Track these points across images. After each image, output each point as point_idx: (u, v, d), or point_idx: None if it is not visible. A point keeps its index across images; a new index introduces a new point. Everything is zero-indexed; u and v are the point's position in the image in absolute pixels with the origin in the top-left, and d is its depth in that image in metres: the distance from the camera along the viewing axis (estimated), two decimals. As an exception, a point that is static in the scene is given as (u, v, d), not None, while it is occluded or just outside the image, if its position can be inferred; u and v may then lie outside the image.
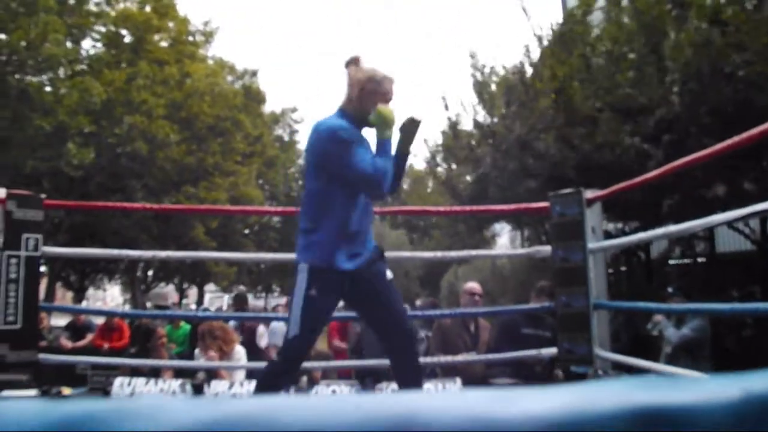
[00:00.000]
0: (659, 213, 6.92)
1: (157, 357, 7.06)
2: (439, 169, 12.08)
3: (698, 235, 8.87)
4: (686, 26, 6.08)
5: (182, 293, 30.39)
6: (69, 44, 18.32)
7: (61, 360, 5.31)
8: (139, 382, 4.52)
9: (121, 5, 20.43)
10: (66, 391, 4.51)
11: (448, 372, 5.05)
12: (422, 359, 3.43)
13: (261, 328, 8.50)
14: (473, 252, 6.51)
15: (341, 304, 3.45)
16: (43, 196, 4.48)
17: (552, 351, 4.50)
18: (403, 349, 3.19)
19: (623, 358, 4.20)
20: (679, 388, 0.55)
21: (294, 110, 33.21)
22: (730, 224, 7.48)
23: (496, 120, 9.10)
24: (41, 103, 16.12)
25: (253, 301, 35.11)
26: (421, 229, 29.18)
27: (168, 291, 28.58)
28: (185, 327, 8.68)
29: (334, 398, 0.54)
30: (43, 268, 9.67)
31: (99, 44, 20.00)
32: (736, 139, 2.95)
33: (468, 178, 9.74)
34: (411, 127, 3.21)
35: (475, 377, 5.00)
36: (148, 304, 15.52)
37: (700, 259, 9.57)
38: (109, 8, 20.05)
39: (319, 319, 3.12)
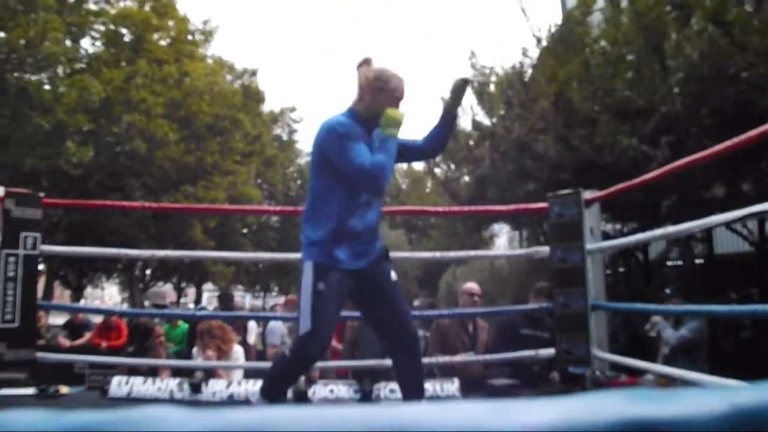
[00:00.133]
0: (658, 214, 6.92)
1: (154, 356, 7.06)
2: (438, 169, 12.07)
3: (696, 236, 8.87)
4: (688, 27, 6.07)
5: (180, 292, 30.38)
6: (68, 43, 18.32)
7: (58, 358, 5.31)
8: (137, 381, 4.52)
9: (121, 4, 20.43)
10: (64, 389, 4.51)
11: (446, 372, 5.05)
12: (422, 358, 3.39)
13: (251, 324, 8.51)
14: (471, 252, 6.52)
15: None
16: (41, 194, 4.48)
17: (550, 352, 4.50)
18: (405, 351, 3.19)
19: (621, 359, 4.20)
20: (670, 400, 0.55)
21: (293, 110, 33.18)
22: (728, 226, 7.48)
23: (495, 120, 9.10)
24: (40, 102, 16.12)
25: (251, 300, 35.16)
26: (419, 230, 29.17)
27: (166, 290, 28.58)
28: (183, 326, 8.67)
29: (334, 410, 0.54)
30: (41, 267, 9.67)
31: (98, 43, 20.01)
32: (734, 140, 2.95)
33: (467, 178, 9.74)
34: (461, 87, 3.25)
35: (473, 377, 5.00)
36: (146, 303, 15.52)
37: (698, 261, 9.58)
38: (108, 7, 20.06)
39: (330, 313, 3.06)
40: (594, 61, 7.17)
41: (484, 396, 4.43)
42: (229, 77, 26.31)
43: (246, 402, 4.38)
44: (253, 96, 27.15)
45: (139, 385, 4.47)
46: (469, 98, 9.83)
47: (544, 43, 8.52)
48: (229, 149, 22.87)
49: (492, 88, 9.43)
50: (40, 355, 4.46)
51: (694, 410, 0.54)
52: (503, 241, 18.56)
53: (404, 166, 33.82)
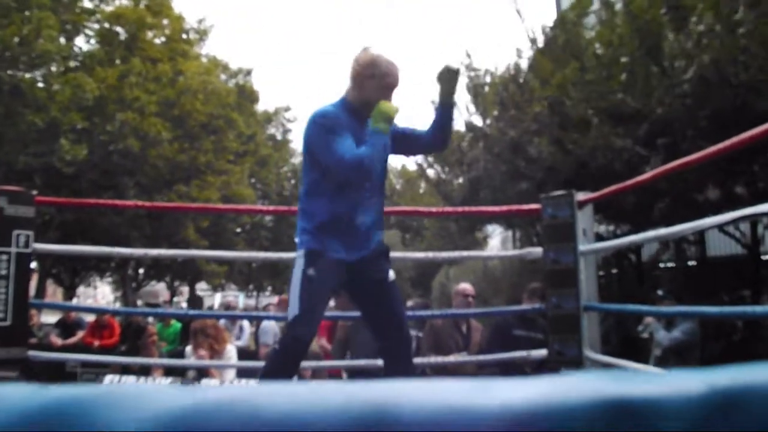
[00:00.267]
0: (651, 216, 6.94)
1: (147, 355, 7.05)
2: (431, 171, 12.07)
3: (689, 238, 8.90)
4: (688, 27, 6.06)
5: (173, 291, 30.33)
6: (62, 41, 18.28)
7: (50, 357, 5.29)
8: (129, 380, 4.51)
9: (117, 2, 20.40)
10: (55, 388, 4.49)
11: (438, 372, 5.06)
12: (413, 361, 3.35)
13: (245, 324, 8.54)
14: (464, 253, 6.53)
15: (331, 303, 3.42)
16: (34, 192, 4.47)
17: (542, 353, 4.51)
18: (396, 352, 3.15)
19: (613, 360, 4.21)
20: (648, 381, 0.56)
21: (287, 109, 33.14)
22: (721, 228, 7.50)
23: (489, 122, 9.11)
24: (34, 99, 16.07)
25: (244, 300, 35.13)
26: (413, 230, 29.17)
27: (159, 289, 28.55)
28: (176, 325, 8.68)
29: (313, 387, 0.54)
30: (33, 265, 9.66)
31: (93, 41, 19.96)
32: (726, 143, 2.96)
33: (460, 180, 9.75)
34: (447, 76, 3.14)
35: (465, 378, 5.01)
36: (139, 302, 15.48)
37: (690, 263, 9.60)
38: (103, 5, 20.02)
39: (319, 298, 2.99)
40: (588, 64, 7.18)
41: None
42: (223, 76, 26.26)
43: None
44: (247, 95, 27.12)
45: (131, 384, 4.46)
46: (464, 99, 9.85)
47: (539, 44, 8.53)
48: (222, 148, 22.82)
49: (487, 89, 9.44)
50: (31, 353, 4.44)
51: (671, 391, 0.55)
52: (496, 242, 18.57)
53: (398, 166, 33.86)
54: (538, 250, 4.67)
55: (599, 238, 7.53)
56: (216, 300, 33.53)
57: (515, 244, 14.42)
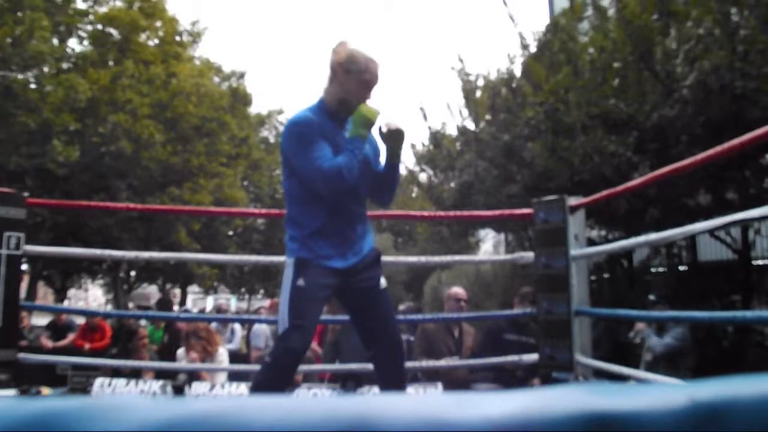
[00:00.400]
0: (643, 221, 6.96)
1: (138, 357, 7.04)
2: (423, 175, 12.08)
3: (680, 243, 8.92)
4: (687, 32, 6.05)
5: (165, 295, 30.23)
6: (55, 42, 18.25)
7: (41, 360, 5.27)
8: (120, 383, 4.50)
9: (110, 3, 20.38)
10: (45, 391, 4.49)
11: (430, 376, 5.07)
12: (405, 368, 3.26)
13: (236, 327, 8.53)
14: (456, 257, 6.52)
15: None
16: (26, 194, 4.46)
17: (534, 357, 4.52)
18: (387, 360, 3.08)
19: (604, 365, 4.22)
20: (630, 394, 0.57)
21: (280, 112, 33.07)
22: (712, 233, 7.53)
23: (482, 125, 9.12)
24: (26, 101, 16.04)
25: (236, 303, 35.07)
26: (406, 234, 29.15)
27: (151, 292, 28.45)
28: (168, 328, 8.65)
29: (296, 399, 0.55)
30: (24, 267, 9.61)
31: (86, 42, 19.94)
32: (717, 149, 2.98)
33: (452, 184, 9.75)
34: (393, 136, 2.99)
35: (457, 382, 5.02)
36: (131, 305, 15.45)
37: (682, 268, 9.62)
38: (96, 6, 20.00)
39: (309, 311, 2.85)
40: (582, 69, 7.19)
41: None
42: (216, 79, 26.22)
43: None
44: (240, 98, 27.08)
45: (122, 387, 4.45)
46: (456, 103, 9.86)
47: (532, 49, 8.54)
48: (215, 151, 22.77)
49: (479, 93, 9.45)
50: (22, 355, 4.43)
51: (653, 404, 0.55)
52: (489, 246, 18.58)
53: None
54: (529, 255, 4.68)
55: (591, 243, 7.54)
56: (208, 303, 33.46)
57: (508, 249, 14.43)
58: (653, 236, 4.08)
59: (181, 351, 5.81)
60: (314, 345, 6.75)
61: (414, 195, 24.51)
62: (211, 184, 22.35)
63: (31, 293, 20.01)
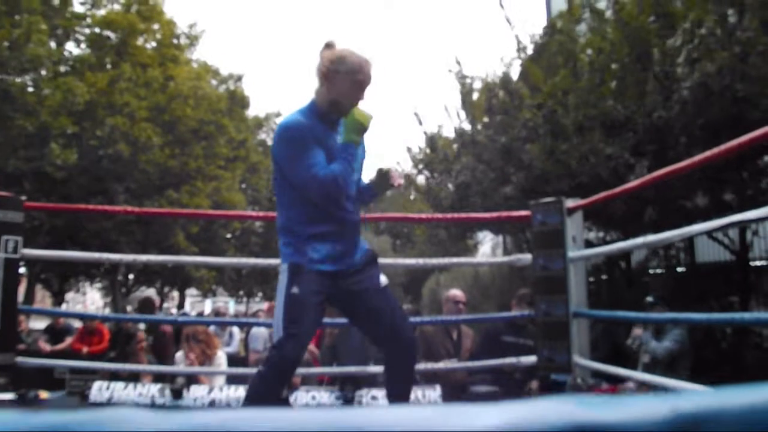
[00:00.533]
0: (641, 223, 6.96)
1: (136, 361, 7.03)
2: (420, 177, 12.07)
3: (678, 245, 8.92)
4: (682, 32, 6.05)
5: (163, 297, 30.24)
6: (53, 45, 18.25)
7: (39, 363, 5.27)
8: (118, 386, 4.50)
9: (108, 6, 20.37)
10: (44, 394, 4.48)
11: (429, 379, 5.06)
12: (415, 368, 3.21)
13: (235, 330, 8.53)
14: (454, 259, 6.53)
15: None
16: (23, 197, 4.46)
17: (532, 359, 4.52)
18: (396, 359, 3.00)
19: (602, 367, 4.23)
20: (614, 405, 0.57)
21: (278, 115, 33.03)
22: (709, 234, 7.53)
23: (479, 127, 9.12)
24: (23, 104, 16.03)
25: (234, 306, 35.06)
26: (404, 236, 29.17)
27: (149, 295, 28.44)
28: (165, 331, 8.64)
29: (293, 413, 0.55)
30: (22, 270, 9.61)
31: (83, 46, 19.94)
32: (714, 151, 2.98)
33: (449, 185, 9.74)
34: (383, 180, 3.03)
35: (455, 384, 5.02)
36: (129, 308, 15.45)
37: (680, 269, 9.63)
38: (94, 10, 20.00)
39: (305, 319, 2.79)
40: (580, 71, 7.20)
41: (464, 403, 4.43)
42: (214, 82, 26.22)
43: (227, 408, 4.34)
44: (238, 101, 27.08)
45: (120, 391, 4.44)
46: (455, 103, 9.87)
47: (529, 51, 8.55)
48: (213, 154, 22.76)
49: (476, 96, 9.45)
50: (20, 359, 4.43)
51: (638, 415, 0.56)
52: (487, 248, 18.60)
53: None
54: (527, 257, 4.69)
55: (589, 244, 7.55)
56: (206, 306, 33.45)
57: (506, 251, 14.44)
58: (651, 238, 4.08)
59: (179, 354, 5.81)
60: (312, 347, 6.75)
61: (412, 197, 24.53)
62: (209, 187, 22.34)
63: (29, 296, 19.98)
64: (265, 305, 11.37)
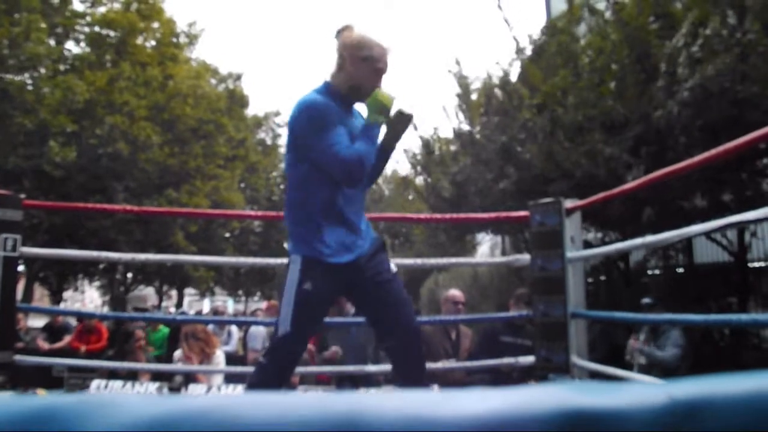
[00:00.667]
0: (639, 223, 6.97)
1: (134, 359, 7.04)
2: (419, 178, 12.06)
3: (676, 245, 8.93)
4: (685, 33, 6.04)
5: (162, 296, 30.21)
6: (52, 44, 18.24)
7: (37, 362, 5.27)
8: (116, 384, 4.50)
9: (108, 5, 20.36)
10: (42, 393, 4.48)
11: (427, 379, 5.06)
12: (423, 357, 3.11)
13: (233, 329, 8.54)
14: (453, 260, 6.52)
15: None
16: (22, 195, 4.46)
17: (530, 359, 4.52)
18: (407, 349, 2.93)
19: (600, 367, 4.23)
20: (609, 392, 0.57)
21: (277, 114, 33.06)
22: (708, 235, 7.54)
23: (477, 128, 9.12)
24: (22, 102, 16.02)
25: (233, 305, 35.04)
26: (402, 236, 29.15)
27: (147, 294, 28.43)
28: (164, 330, 8.66)
29: (285, 397, 0.55)
30: (21, 269, 9.61)
31: (83, 44, 19.93)
32: (712, 152, 2.99)
33: (446, 184, 9.74)
34: (400, 122, 2.90)
35: (453, 384, 5.02)
36: (128, 307, 15.45)
37: (678, 270, 9.64)
38: (93, 8, 19.99)
39: (314, 316, 2.79)
40: (580, 71, 7.20)
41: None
42: (213, 81, 26.22)
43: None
44: (237, 100, 27.08)
45: (119, 389, 4.44)
46: (453, 104, 9.87)
47: (528, 52, 8.56)
48: (212, 153, 22.75)
49: (474, 96, 9.45)
50: (18, 357, 4.42)
51: (631, 402, 0.56)
52: (486, 248, 18.59)
53: (387, 171, 33.79)
54: (526, 257, 4.68)
55: (588, 245, 7.55)
56: (205, 305, 33.43)
57: (504, 251, 14.44)
58: (650, 238, 4.07)
59: (178, 352, 5.81)
60: (310, 345, 6.75)
61: (411, 197, 24.51)
62: (208, 187, 22.33)
63: (28, 295, 19.96)
64: (263, 304, 11.36)
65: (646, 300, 6.31)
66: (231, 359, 7.15)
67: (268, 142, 32.95)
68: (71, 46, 19.84)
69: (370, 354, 5.94)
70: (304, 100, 2.80)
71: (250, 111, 29.96)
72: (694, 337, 6.85)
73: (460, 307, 5.57)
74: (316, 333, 2.97)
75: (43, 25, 16.62)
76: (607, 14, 7.25)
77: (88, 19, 19.88)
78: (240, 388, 4.45)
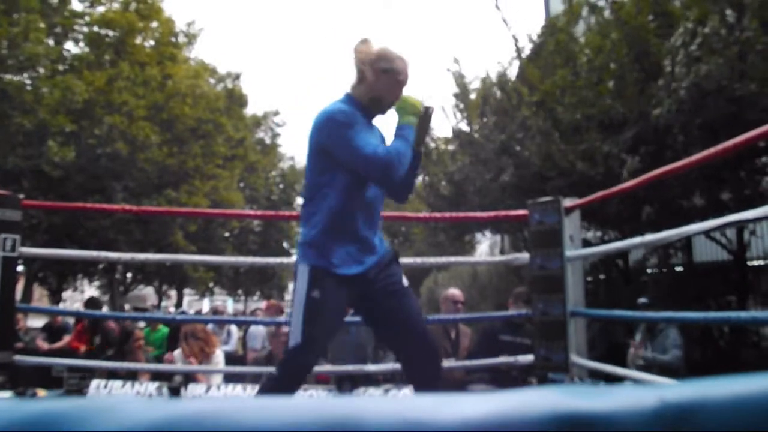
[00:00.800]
0: (639, 222, 6.97)
1: (134, 359, 7.03)
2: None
3: (675, 244, 8.93)
4: (682, 32, 6.04)
5: (161, 296, 30.22)
6: (51, 44, 18.23)
7: (37, 362, 5.27)
8: (116, 384, 4.50)
9: (107, 5, 20.35)
10: (41, 393, 4.48)
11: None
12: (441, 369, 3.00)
13: (233, 328, 8.54)
14: (452, 258, 6.52)
15: None
16: (21, 195, 4.46)
17: (529, 358, 4.53)
18: (421, 364, 2.85)
19: (599, 366, 4.23)
20: (601, 395, 0.58)
21: (276, 113, 33.08)
22: (707, 234, 7.54)
23: (476, 127, 9.11)
24: (21, 102, 16.01)
25: (233, 305, 35.02)
26: (402, 235, 29.16)
27: (147, 293, 28.40)
28: (163, 330, 8.65)
29: (284, 401, 0.56)
30: (20, 269, 9.62)
31: (82, 44, 19.92)
32: (711, 150, 2.99)
33: (443, 183, 9.73)
34: (426, 119, 2.87)
35: (453, 383, 5.02)
36: (127, 306, 15.43)
37: (677, 269, 9.64)
38: (92, 8, 19.98)
39: (325, 326, 2.72)
40: (579, 70, 7.20)
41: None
42: (212, 80, 26.22)
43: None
44: (236, 99, 27.09)
45: (118, 389, 4.44)
46: (450, 104, 9.86)
47: (527, 51, 8.55)
48: (211, 153, 22.75)
49: (473, 96, 9.44)
50: (18, 358, 4.43)
51: (624, 405, 0.56)
52: (485, 247, 18.59)
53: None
54: (525, 256, 4.69)
55: (587, 244, 7.56)
56: (204, 305, 33.42)
57: (503, 250, 14.43)
58: (649, 237, 4.08)
59: (177, 352, 5.82)
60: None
61: (410, 196, 24.53)
62: (207, 186, 22.33)
63: (27, 295, 19.95)
64: (263, 304, 11.37)
65: (642, 300, 6.31)
66: (230, 359, 7.16)
67: (267, 141, 32.97)
68: (70, 46, 19.85)
69: (370, 354, 5.95)
70: (329, 108, 2.79)
71: (249, 110, 30.01)
72: (693, 335, 6.85)
73: (459, 306, 5.57)
74: (327, 343, 2.92)
75: (42, 25, 16.62)
76: (606, 13, 7.24)
77: (87, 19, 19.86)
78: (239, 387, 4.45)
